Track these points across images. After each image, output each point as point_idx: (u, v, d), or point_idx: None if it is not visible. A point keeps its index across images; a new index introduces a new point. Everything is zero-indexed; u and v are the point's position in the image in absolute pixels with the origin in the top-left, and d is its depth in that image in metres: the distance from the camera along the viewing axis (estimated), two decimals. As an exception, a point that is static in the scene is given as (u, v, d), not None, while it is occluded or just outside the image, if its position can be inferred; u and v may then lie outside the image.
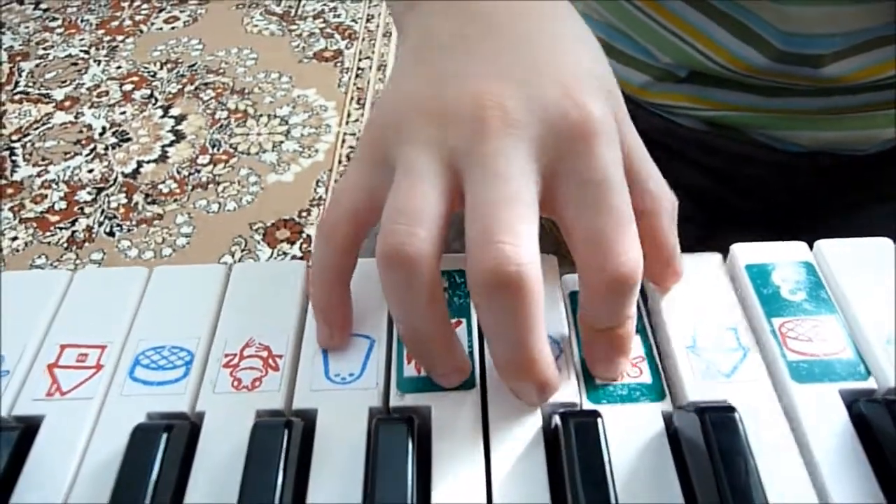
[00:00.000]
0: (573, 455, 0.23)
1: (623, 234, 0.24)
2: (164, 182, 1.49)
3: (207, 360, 0.28)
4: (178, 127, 1.61)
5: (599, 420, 0.24)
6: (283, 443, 0.23)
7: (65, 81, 1.74)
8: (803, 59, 0.43)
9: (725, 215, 0.55)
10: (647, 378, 0.26)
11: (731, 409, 0.24)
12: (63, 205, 1.45)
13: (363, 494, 0.23)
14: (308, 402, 0.26)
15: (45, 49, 1.84)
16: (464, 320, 0.28)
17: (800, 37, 0.42)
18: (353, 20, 1.90)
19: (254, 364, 0.27)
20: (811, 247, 0.31)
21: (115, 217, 1.43)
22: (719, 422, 0.23)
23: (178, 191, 1.47)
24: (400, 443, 0.23)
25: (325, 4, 1.95)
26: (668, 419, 0.25)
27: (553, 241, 0.30)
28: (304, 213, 1.42)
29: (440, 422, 0.25)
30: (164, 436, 0.24)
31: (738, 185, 0.54)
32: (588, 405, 0.26)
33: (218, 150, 1.55)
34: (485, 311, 0.24)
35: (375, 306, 0.29)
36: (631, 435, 0.25)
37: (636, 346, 0.27)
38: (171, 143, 1.57)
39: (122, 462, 0.23)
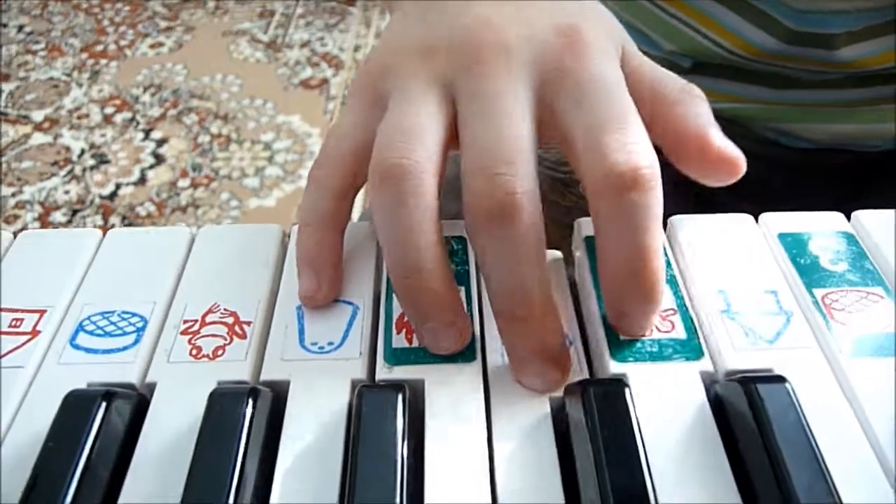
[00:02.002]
0: (596, 431, 0.19)
1: (626, 127, 0.22)
2: (142, 204, 1.45)
3: (163, 326, 0.24)
4: (159, 150, 1.57)
5: (627, 390, 0.20)
6: (246, 413, 0.19)
7: (45, 103, 1.70)
8: (816, 39, 0.41)
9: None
10: (680, 333, 0.23)
11: (782, 379, 0.20)
12: (36, 225, 1.41)
13: (342, 473, 0.19)
14: (279, 372, 0.22)
15: (26, 71, 1.81)
16: (462, 288, 0.25)
17: (812, 14, 0.40)
18: (341, 49, 1.89)
19: (217, 331, 0.23)
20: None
21: (89, 239, 1.38)
22: (768, 394, 0.20)
23: (156, 213, 1.43)
24: (388, 412, 0.19)
25: (312, 34, 1.95)
26: (707, 382, 0.22)
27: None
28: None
29: (435, 397, 0.21)
30: (102, 404, 0.20)
31: (739, 187, 0.51)
32: (613, 365, 0.22)
33: (199, 173, 1.51)
34: (482, 247, 0.22)
35: (360, 271, 0.25)
36: (665, 400, 0.21)
37: (666, 298, 0.24)
38: (151, 166, 1.53)
39: (48, 433, 0.19)
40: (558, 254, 0.27)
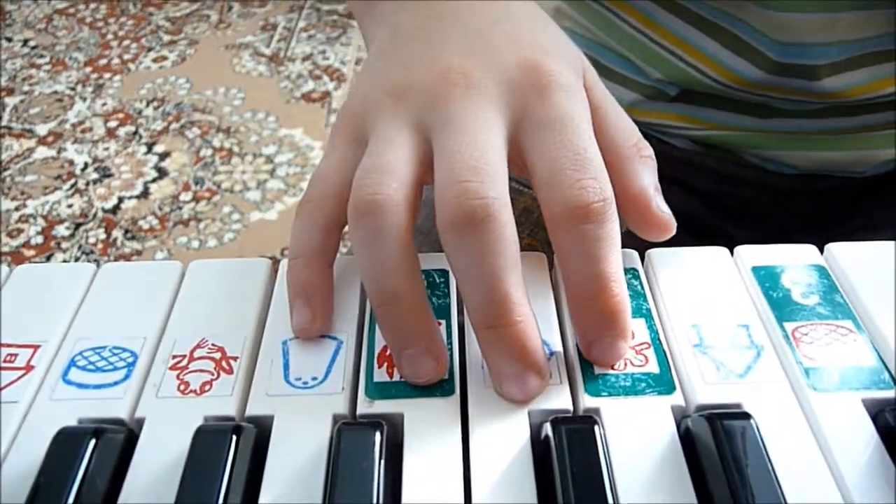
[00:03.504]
0: (566, 468, 0.20)
1: (581, 165, 0.23)
2: (144, 218, 1.46)
3: (153, 361, 0.24)
4: (162, 164, 1.58)
5: (596, 427, 0.21)
6: (230, 450, 0.20)
7: (49, 117, 1.72)
8: (799, 70, 0.42)
9: (715, 241, 0.53)
10: (653, 367, 0.24)
11: (747, 416, 0.21)
12: (40, 239, 1.42)
13: (322, 509, 0.20)
14: (263, 408, 0.23)
15: (30, 85, 1.83)
16: (443, 321, 0.26)
17: (795, 46, 0.41)
18: (342, 62, 1.91)
19: (204, 366, 0.24)
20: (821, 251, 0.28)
21: (92, 252, 1.39)
22: (733, 430, 0.20)
23: (158, 227, 1.44)
24: (365, 450, 0.20)
25: (314, 47, 1.96)
26: (679, 416, 0.22)
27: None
28: (286, 251, 1.39)
29: (414, 431, 0.22)
30: (92, 441, 0.20)
31: (729, 210, 0.52)
32: (587, 399, 0.23)
33: (201, 187, 1.52)
34: (455, 255, 0.23)
35: (344, 306, 0.26)
36: (636, 434, 0.22)
37: (641, 332, 0.25)
38: (154, 180, 1.54)
39: (39, 471, 0.20)
40: (541, 255, 0.28)
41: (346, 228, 0.26)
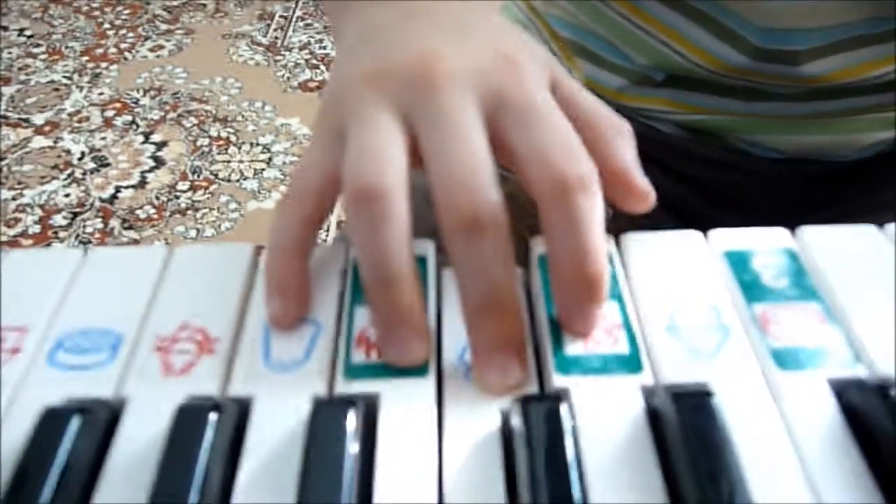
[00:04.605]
0: (532, 445, 0.21)
1: (563, 140, 0.25)
2: (141, 208, 1.46)
3: (137, 344, 0.25)
4: (159, 153, 1.59)
5: (563, 406, 0.21)
6: (209, 427, 0.21)
7: (45, 106, 1.72)
8: (781, 56, 0.42)
9: (703, 227, 0.54)
10: (623, 348, 0.24)
11: (708, 394, 0.22)
12: (37, 229, 1.42)
13: (298, 487, 0.21)
14: (244, 388, 0.24)
15: (27, 74, 1.83)
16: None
17: (778, 32, 0.41)
18: (339, 51, 1.90)
19: (187, 348, 0.25)
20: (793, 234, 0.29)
21: (90, 242, 1.40)
22: (695, 407, 0.21)
23: (156, 216, 1.44)
24: (338, 427, 0.21)
25: (311, 36, 1.96)
26: (648, 396, 0.23)
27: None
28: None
29: (389, 410, 0.23)
30: (77, 419, 0.21)
31: (716, 195, 0.52)
32: (557, 378, 0.23)
33: (198, 176, 1.53)
34: (459, 254, 0.24)
35: (324, 292, 0.27)
36: (605, 412, 0.22)
37: (613, 314, 0.25)
38: (151, 169, 1.55)
39: (26, 447, 0.21)
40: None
41: (343, 216, 0.27)
